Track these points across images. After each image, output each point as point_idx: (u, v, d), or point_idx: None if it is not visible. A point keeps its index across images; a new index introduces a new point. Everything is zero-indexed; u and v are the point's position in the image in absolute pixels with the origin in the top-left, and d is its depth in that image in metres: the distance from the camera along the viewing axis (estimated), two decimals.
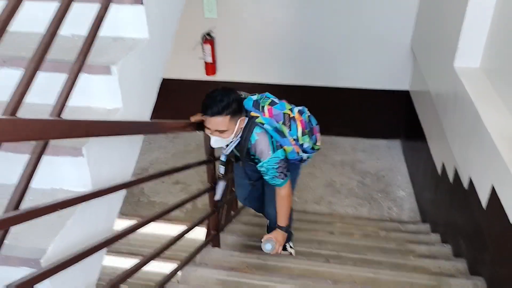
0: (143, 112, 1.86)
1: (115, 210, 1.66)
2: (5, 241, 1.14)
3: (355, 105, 5.25)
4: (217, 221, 2.80)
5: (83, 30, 1.40)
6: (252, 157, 2.19)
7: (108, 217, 1.59)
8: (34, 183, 1.20)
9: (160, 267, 2.44)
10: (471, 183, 2.66)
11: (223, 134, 2.04)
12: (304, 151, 2.35)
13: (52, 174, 1.41)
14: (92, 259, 1.42)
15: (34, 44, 1.20)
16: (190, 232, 2.49)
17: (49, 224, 1.31)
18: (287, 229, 2.34)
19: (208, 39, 5.03)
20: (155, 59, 1.92)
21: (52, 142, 1.27)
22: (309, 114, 2.42)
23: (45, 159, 1.24)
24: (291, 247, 2.93)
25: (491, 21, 2.78)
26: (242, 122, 2.09)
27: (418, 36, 4.49)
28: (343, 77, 5.06)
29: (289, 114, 2.22)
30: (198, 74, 5.31)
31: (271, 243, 2.21)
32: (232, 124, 2.02)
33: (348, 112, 5.31)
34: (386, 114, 5.27)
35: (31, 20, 1.60)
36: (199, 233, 3.19)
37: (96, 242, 1.40)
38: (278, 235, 2.26)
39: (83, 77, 1.45)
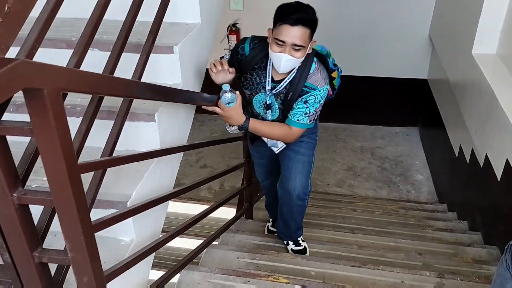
0: (196, 87, 2.11)
1: (176, 169, 1.92)
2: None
3: (375, 94, 5.44)
4: (250, 193, 3.04)
5: (142, 17, 1.61)
6: (304, 90, 1.92)
7: (171, 175, 1.86)
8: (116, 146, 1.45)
9: (193, 243, 2.59)
10: (486, 160, 2.87)
11: (298, 52, 1.77)
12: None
13: (129, 138, 1.66)
14: (161, 207, 1.69)
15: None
16: (222, 207, 2.57)
17: (131, 177, 1.57)
18: (244, 127, 1.96)
19: (234, 30, 5.27)
20: (205, 41, 2.17)
21: (131, 109, 1.52)
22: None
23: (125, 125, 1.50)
24: (303, 240, 2.64)
25: (507, 10, 2.97)
26: (312, 45, 1.85)
27: (436, 26, 4.67)
28: (363, 66, 5.25)
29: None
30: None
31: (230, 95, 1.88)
32: (308, 41, 1.78)
33: (368, 100, 5.50)
34: (404, 103, 5.45)
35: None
36: (229, 214, 3.42)
37: (165, 193, 1.66)
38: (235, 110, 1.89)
39: (150, 56, 1.70)
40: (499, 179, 2.59)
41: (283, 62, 1.78)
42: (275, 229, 2.81)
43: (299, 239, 2.62)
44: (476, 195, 3.25)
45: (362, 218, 3.40)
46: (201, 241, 2.30)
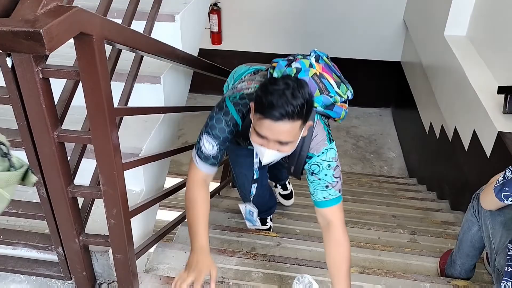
0: (194, 54, 2.24)
1: (175, 131, 2.06)
2: None
3: (351, 75, 5.61)
4: None
5: None
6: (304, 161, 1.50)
7: (171, 135, 2.00)
8: None
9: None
10: (455, 133, 3.12)
11: (285, 147, 1.32)
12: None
13: (137, 98, 1.78)
14: (164, 164, 1.84)
15: None
16: None
17: (141, 133, 1.71)
18: None
19: (215, 9, 5.36)
20: (200, 12, 2.30)
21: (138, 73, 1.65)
22: (319, 53, 1.66)
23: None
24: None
25: None
26: (308, 127, 1.39)
27: (410, 10, 4.90)
28: (341, 48, 5.45)
29: (315, 73, 1.53)
30: (204, 43, 5.65)
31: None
32: (299, 132, 1.33)
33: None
34: (379, 84, 5.70)
35: None
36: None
37: (167, 147, 1.81)
38: None
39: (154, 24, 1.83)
40: (466, 149, 2.84)
41: (266, 156, 1.35)
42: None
43: (286, 182, 2.72)
44: (444, 167, 3.52)
45: None
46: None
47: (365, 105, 5.86)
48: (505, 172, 1.41)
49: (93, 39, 0.99)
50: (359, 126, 5.55)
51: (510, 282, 1.32)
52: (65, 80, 1.23)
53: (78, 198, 1.27)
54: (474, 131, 2.70)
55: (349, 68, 5.51)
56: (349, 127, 5.54)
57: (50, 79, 1.06)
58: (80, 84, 1.07)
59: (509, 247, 1.38)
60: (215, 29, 5.52)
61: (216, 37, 5.60)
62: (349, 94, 1.71)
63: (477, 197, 1.66)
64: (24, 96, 1.06)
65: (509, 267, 1.35)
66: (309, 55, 1.60)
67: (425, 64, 4.09)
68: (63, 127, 1.14)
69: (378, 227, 2.51)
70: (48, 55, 1.09)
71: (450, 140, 3.27)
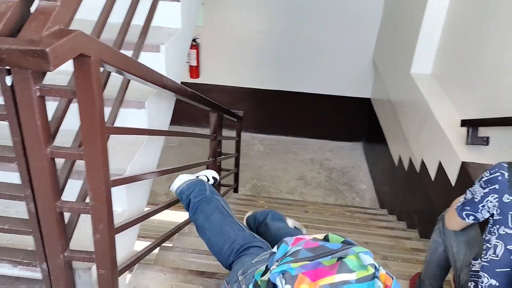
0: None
1: (158, 154, 2.13)
2: None
3: (324, 110, 5.87)
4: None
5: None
6: None
7: (154, 158, 2.06)
8: None
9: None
10: (422, 165, 3.29)
11: None
12: None
13: (121, 123, 1.85)
14: (146, 185, 1.90)
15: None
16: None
17: (125, 156, 1.77)
18: None
19: (193, 44, 5.53)
20: (184, 43, 2.42)
21: (124, 98, 1.73)
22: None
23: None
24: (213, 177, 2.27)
25: (440, 35, 3.46)
26: None
27: (379, 49, 5.18)
28: (314, 84, 5.68)
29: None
30: (182, 76, 5.78)
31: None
32: None
33: (317, 116, 5.92)
34: (350, 119, 5.93)
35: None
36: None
37: (150, 171, 1.87)
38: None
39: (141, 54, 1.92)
40: (433, 179, 3.00)
41: None
42: None
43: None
44: (413, 198, 3.67)
45: (313, 218, 3.70)
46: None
47: (337, 139, 6.06)
48: (466, 193, 1.54)
49: (91, 60, 1.07)
50: (332, 159, 5.71)
51: None
52: (58, 99, 1.30)
53: (64, 214, 1.32)
54: (439, 162, 2.86)
55: (322, 104, 5.79)
56: (323, 160, 5.69)
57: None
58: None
59: (472, 263, 1.48)
60: (194, 63, 5.67)
61: (195, 71, 5.75)
62: None
63: (442, 218, 1.77)
64: (20, 113, 1.12)
65: (472, 282, 1.45)
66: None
67: (393, 100, 4.31)
68: None
69: None
70: (45, 75, 1.17)
71: (418, 171, 3.43)
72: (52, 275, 1.39)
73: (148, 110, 1.90)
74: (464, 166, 2.49)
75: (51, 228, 1.29)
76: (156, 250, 2.16)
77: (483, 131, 2.54)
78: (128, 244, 1.78)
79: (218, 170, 3.49)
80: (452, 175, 2.63)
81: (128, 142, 1.85)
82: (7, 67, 1.03)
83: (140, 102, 1.88)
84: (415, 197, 3.60)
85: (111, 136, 1.64)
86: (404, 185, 3.99)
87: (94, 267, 1.45)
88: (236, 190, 4.61)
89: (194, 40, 5.52)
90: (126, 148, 1.83)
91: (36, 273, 1.48)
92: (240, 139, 4.36)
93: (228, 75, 5.76)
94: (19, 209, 1.64)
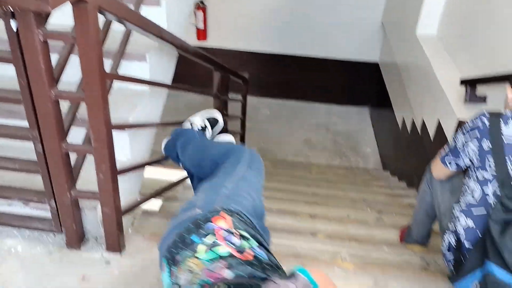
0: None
1: (160, 108, 2.21)
2: None
3: (331, 75, 5.87)
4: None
5: None
6: None
7: (157, 110, 2.15)
8: None
9: None
10: (423, 126, 3.33)
11: None
12: None
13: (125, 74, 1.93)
14: (148, 135, 1.99)
15: None
16: None
17: (128, 107, 1.86)
18: None
19: (201, 6, 5.52)
20: (185, 2, 2.46)
21: (126, 51, 1.80)
22: None
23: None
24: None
25: None
26: None
27: (388, 12, 5.13)
28: (322, 48, 5.66)
29: None
30: (189, 39, 5.80)
31: None
32: None
33: (324, 80, 5.93)
34: (358, 84, 5.93)
35: None
36: None
37: (153, 121, 1.97)
38: None
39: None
40: (432, 139, 3.05)
41: None
42: None
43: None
44: (414, 159, 3.73)
45: (316, 178, 3.80)
46: None
47: (344, 104, 6.08)
48: (450, 143, 1.60)
49: (88, 5, 1.14)
50: (338, 124, 5.76)
51: (453, 235, 1.51)
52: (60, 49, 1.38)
53: (70, 157, 1.42)
54: (438, 121, 2.91)
55: (330, 68, 5.78)
56: (329, 123, 5.74)
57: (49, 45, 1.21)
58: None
59: (453, 207, 1.56)
60: (201, 26, 5.68)
61: (202, 33, 5.75)
62: None
63: (429, 168, 1.85)
64: (25, 56, 1.21)
65: (452, 223, 1.53)
66: None
67: (399, 63, 4.32)
68: None
69: (347, 207, 2.70)
70: (46, 20, 1.24)
71: (419, 133, 3.48)
72: (61, 212, 1.51)
73: (149, 63, 1.98)
74: (460, 124, 2.54)
75: (58, 167, 1.40)
76: (161, 202, 2.27)
77: (481, 90, 2.57)
78: (132, 190, 1.89)
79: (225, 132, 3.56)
80: (449, 133, 2.68)
81: (131, 95, 1.94)
82: (12, 11, 1.11)
83: (142, 55, 1.96)
84: (416, 158, 3.67)
85: (116, 89, 1.73)
86: (406, 147, 4.04)
87: (99, 206, 1.56)
88: None
89: (201, 2, 5.51)
90: (129, 100, 1.92)
91: (46, 213, 1.60)
92: (246, 102, 4.41)
93: (235, 38, 5.76)
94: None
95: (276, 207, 2.64)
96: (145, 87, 2.00)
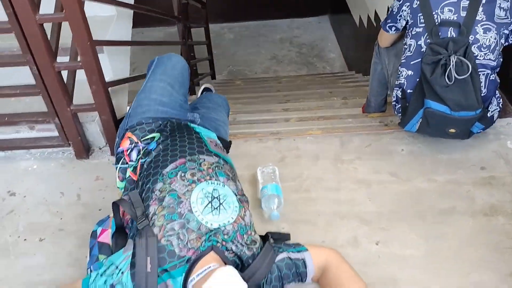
0: None
1: (129, 29, 2.35)
2: None
3: None
4: None
5: None
6: None
7: (127, 31, 2.31)
8: None
9: None
10: (376, 16, 3.56)
11: None
12: None
13: None
14: (125, 52, 2.19)
15: None
16: None
17: (101, 30, 2.02)
18: None
19: None
20: None
21: None
22: None
23: None
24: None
25: None
26: None
27: None
28: None
29: None
30: None
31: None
32: None
33: None
34: None
35: None
36: None
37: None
38: None
39: None
40: None
41: None
42: None
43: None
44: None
45: (286, 86, 4.06)
46: None
47: (304, 16, 6.22)
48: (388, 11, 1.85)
49: None
50: (301, 36, 5.94)
51: (398, 88, 1.79)
52: None
53: (62, 75, 1.62)
54: (388, 7, 3.14)
55: None
56: (292, 37, 5.92)
57: None
58: None
59: (399, 68, 1.83)
60: None
61: None
62: None
63: (377, 42, 2.11)
64: None
65: (398, 80, 1.81)
66: None
67: None
68: None
69: (316, 100, 2.98)
70: None
71: (374, 25, 3.71)
72: (65, 127, 1.74)
73: None
74: None
75: (55, 85, 1.61)
76: None
77: None
78: (120, 105, 2.10)
79: (191, 58, 3.73)
80: None
81: (100, 20, 2.10)
82: None
83: None
84: None
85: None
86: (365, 42, 4.28)
87: (97, 118, 1.79)
88: (213, 77, 4.90)
89: None
90: (100, 25, 2.09)
91: (51, 133, 1.83)
92: (208, 26, 4.54)
93: None
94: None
95: (252, 109, 2.90)
96: (112, 12, 2.16)
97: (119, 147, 1.51)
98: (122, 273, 1.12)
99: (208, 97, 1.97)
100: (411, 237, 1.50)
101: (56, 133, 1.80)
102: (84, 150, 1.83)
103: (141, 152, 1.45)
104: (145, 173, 1.36)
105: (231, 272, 1.09)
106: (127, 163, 1.46)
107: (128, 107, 1.63)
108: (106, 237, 1.32)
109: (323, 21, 6.18)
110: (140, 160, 1.42)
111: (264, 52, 5.67)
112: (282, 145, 1.91)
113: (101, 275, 1.16)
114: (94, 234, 1.35)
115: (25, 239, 1.54)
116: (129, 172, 1.43)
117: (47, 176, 1.79)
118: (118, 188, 1.46)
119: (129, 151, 1.47)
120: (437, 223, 1.54)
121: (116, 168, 1.47)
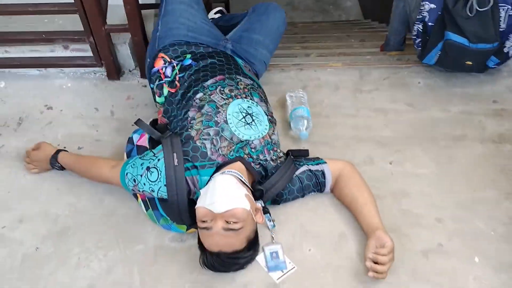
0: None
1: None
2: None
3: None
4: None
5: None
6: None
7: None
8: None
9: None
10: None
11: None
12: None
13: None
14: None
15: None
16: None
17: None
18: None
19: None
20: None
21: None
22: None
23: None
24: None
25: None
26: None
27: None
28: None
29: None
30: None
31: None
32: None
33: None
34: None
35: None
36: None
37: None
38: None
39: None
40: None
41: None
42: None
43: None
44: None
45: (303, 29, 4.08)
46: None
47: None
48: None
49: None
50: None
51: (419, 22, 1.85)
52: None
53: None
54: None
55: None
56: None
57: None
58: None
59: (421, 3, 1.87)
60: None
61: None
62: None
63: None
64: None
65: (420, 14, 1.86)
66: None
67: None
68: None
69: (334, 41, 3.03)
70: None
71: None
72: (99, 46, 1.82)
73: None
74: None
75: (91, 4, 1.68)
76: None
77: None
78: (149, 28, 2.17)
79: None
80: None
81: None
82: None
83: None
84: None
85: None
86: None
87: (129, 40, 1.87)
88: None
89: None
90: None
91: (84, 53, 1.91)
92: None
93: None
94: None
95: None
96: None
97: (153, 67, 1.60)
98: (158, 160, 1.27)
99: (263, 20, 1.78)
100: (423, 159, 1.61)
101: (89, 54, 1.89)
102: (115, 71, 1.93)
103: (176, 68, 1.54)
104: (185, 84, 1.47)
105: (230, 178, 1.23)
106: (162, 79, 1.55)
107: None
108: (144, 141, 1.45)
109: None
110: (178, 75, 1.52)
111: None
112: (304, 75, 1.99)
113: (140, 159, 1.32)
114: (131, 140, 1.49)
115: (64, 147, 1.66)
116: (166, 87, 1.53)
117: (82, 93, 1.90)
118: (158, 103, 1.56)
119: (164, 69, 1.56)
120: (448, 147, 1.64)
121: (152, 87, 1.58)
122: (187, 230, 1.36)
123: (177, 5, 1.68)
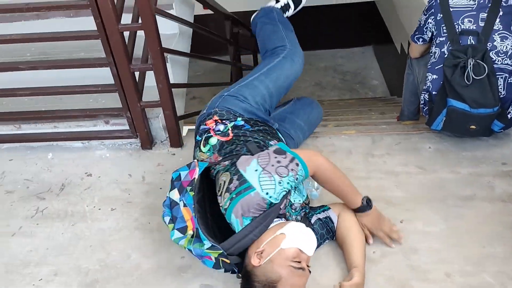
0: None
1: (188, 45, 2.71)
2: None
3: (332, 21, 6.27)
4: None
5: None
6: None
7: (186, 48, 2.67)
8: None
9: None
10: None
11: None
12: None
13: None
14: (184, 64, 2.52)
15: None
16: None
17: (165, 43, 2.38)
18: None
19: None
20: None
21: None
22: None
23: None
24: None
25: None
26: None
27: None
28: None
29: None
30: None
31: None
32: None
33: (326, 27, 6.34)
34: (358, 25, 6.32)
35: None
36: None
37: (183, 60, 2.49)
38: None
39: None
40: None
41: None
42: None
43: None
44: None
45: (328, 106, 4.30)
46: None
47: (348, 46, 6.49)
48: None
49: None
50: (345, 64, 6.20)
51: (427, 94, 1.99)
52: None
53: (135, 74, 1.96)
54: None
55: (330, 14, 6.18)
56: (336, 65, 6.19)
57: None
58: None
59: (426, 74, 2.04)
60: None
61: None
62: None
63: (408, 55, 2.33)
64: (98, 1, 1.73)
65: (425, 85, 2.01)
66: None
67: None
68: None
69: (355, 114, 3.20)
70: None
71: None
72: (135, 120, 2.06)
73: (175, 9, 2.48)
74: None
75: (129, 84, 1.94)
76: None
77: None
78: (180, 105, 2.41)
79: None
80: None
81: (164, 39, 2.45)
82: None
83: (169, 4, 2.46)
84: None
85: None
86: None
87: (161, 115, 2.11)
88: None
89: None
90: (165, 41, 2.43)
91: (121, 126, 2.16)
92: (256, 55, 4.89)
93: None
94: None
95: None
96: (175, 31, 2.52)
97: (205, 125, 1.74)
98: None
99: (308, 110, 2.15)
100: (433, 217, 1.67)
101: (126, 127, 2.13)
102: (148, 141, 2.15)
103: (229, 125, 1.69)
104: (242, 137, 1.65)
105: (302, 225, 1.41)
106: (210, 133, 1.70)
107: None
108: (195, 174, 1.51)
109: (367, 51, 6.43)
110: (231, 130, 1.68)
111: (309, 79, 5.95)
112: (319, 142, 2.14)
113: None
114: (177, 178, 1.53)
115: (99, 209, 1.84)
116: (215, 137, 1.67)
117: (118, 162, 2.11)
118: (202, 151, 1.67)
119: (214, 126, 1.72)
120: (457, 207, 1.70)
121: (199, 139, 1.72)
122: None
123: (262, 89, 1.87)
